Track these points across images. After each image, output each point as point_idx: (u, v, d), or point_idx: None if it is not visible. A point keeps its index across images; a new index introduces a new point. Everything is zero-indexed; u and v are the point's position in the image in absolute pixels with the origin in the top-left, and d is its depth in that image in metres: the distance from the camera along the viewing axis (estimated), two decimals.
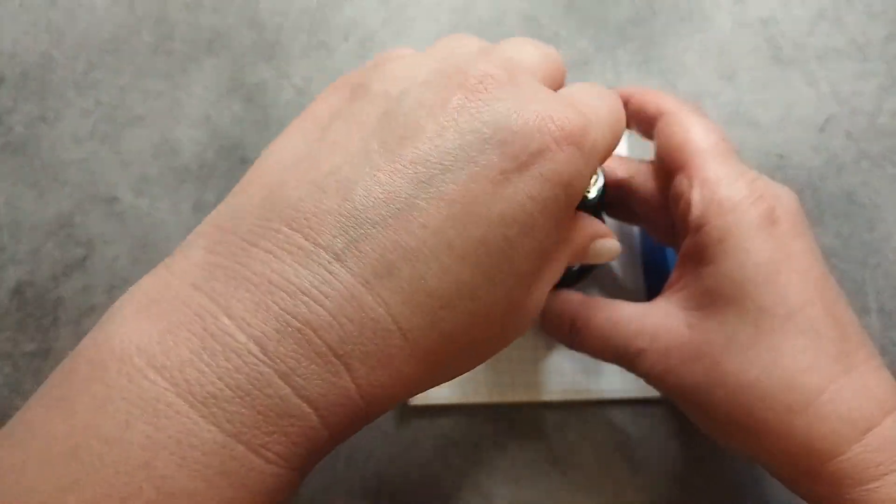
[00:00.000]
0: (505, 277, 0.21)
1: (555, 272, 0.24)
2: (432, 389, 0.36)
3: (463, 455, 0.36)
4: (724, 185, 0.28)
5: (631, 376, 0.31)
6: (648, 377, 0.29)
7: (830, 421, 0.25)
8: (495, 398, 0.37)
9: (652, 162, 0.33)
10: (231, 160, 0.41)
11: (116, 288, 0.38)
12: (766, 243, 0.26)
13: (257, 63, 0.43)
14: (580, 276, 0.33)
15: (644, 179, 0.33)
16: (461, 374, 0.24)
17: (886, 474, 0.24)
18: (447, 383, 0.37)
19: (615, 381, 0.37)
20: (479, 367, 0.37)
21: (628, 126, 0.34)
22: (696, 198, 0.28)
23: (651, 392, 0.37)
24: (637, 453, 0.37)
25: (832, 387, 0.25)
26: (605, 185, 0.30)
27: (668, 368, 0.28)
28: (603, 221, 0.34)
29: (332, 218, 0.19)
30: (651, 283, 0.40)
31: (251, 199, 0.20)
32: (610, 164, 0.34)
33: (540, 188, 0.20)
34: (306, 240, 0.19)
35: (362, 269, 0.19)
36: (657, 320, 0.29)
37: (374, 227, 0.19)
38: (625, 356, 0.29)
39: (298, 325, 0.18)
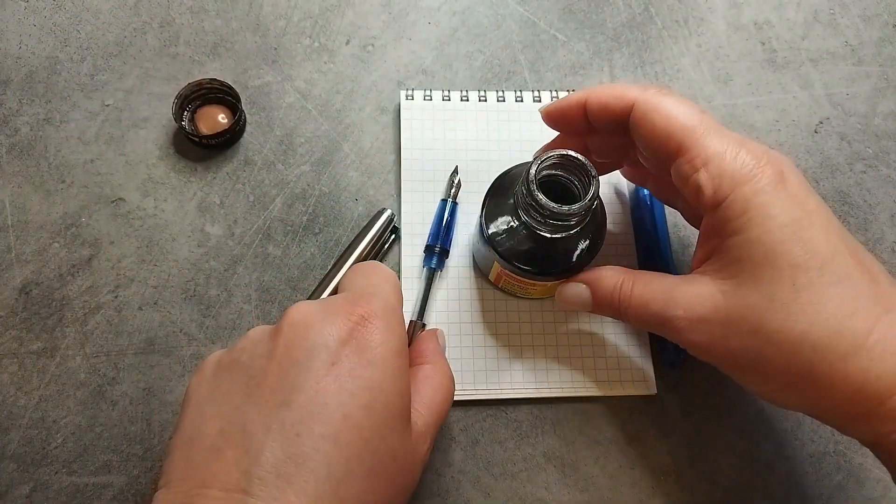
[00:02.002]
0: (379, 431, 0.25)
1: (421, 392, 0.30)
2: None
3: (463, 450, 0.37)
4: (728, 159, 0.28)
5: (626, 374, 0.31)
6: (692, 348, 0.29)
7: (884, 360, 0.25)
8: (494, 395, 0.37)
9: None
10: (235, 162, 0.42)
11: (122, 287, 0.39)
12: (784, 205, 0.27)
13: (260, 66, 0.44)
14: (588, 255, 0.34)
15: None
16: None
17: None
18: None
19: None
20: (477, 366, 0.38)
21: (595, 129, 0.34)
22: (705, 178, 0.28)
23: (646, 389, 0.38)
24: (632, 449, 0.37)
25: (878, 327, 0.26)
26: (597, 188, 0.31)
27: (711, 339, 0.28)
28: (602, 212, 0.35)
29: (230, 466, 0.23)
30: (645, 267, 0.40)
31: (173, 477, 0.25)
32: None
33: (359, 357, 0.26)
34: (220, 490, 0.23)
35: (267, 492, 0.23)
36: (691, 290, 0.29)
37: (261, 455, 0.23)
38: (664, 323, 0.30)
39: None
